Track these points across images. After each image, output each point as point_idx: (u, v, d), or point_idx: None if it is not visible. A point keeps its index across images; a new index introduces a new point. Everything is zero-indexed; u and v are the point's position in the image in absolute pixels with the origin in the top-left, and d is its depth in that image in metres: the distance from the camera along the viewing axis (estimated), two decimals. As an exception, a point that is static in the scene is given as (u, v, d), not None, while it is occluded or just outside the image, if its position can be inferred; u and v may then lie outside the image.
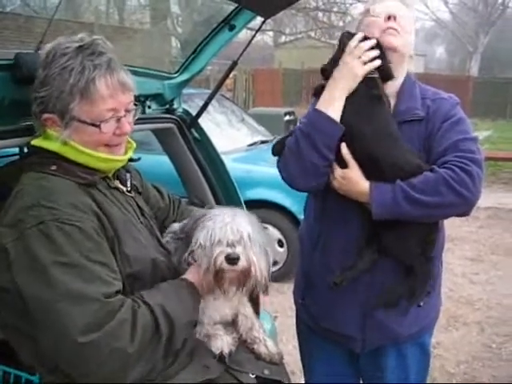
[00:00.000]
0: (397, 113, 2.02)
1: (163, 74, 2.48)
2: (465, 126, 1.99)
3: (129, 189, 1.83)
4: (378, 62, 1.95)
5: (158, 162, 4.23)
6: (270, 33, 31.82)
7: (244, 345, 1.98)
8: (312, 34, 29.45)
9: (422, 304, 2.08)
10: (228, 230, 1.68)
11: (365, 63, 1.94)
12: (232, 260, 1.67)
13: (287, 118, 11.70)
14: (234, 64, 2.51)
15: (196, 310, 1.68)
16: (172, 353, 1.60)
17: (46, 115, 1.61)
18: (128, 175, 1.86)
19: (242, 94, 19.56)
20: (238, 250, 1.68)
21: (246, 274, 1.70)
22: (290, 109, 12.74)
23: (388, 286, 2.03)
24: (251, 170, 5.90)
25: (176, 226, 2.00)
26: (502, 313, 5.09)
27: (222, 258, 1.67)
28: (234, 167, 5.90)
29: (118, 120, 1.64)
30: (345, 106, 1.95)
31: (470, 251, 6.87)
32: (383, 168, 1.92)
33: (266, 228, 5.80)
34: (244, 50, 2.57)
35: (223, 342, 1.84)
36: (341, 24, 26.98)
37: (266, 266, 1.77)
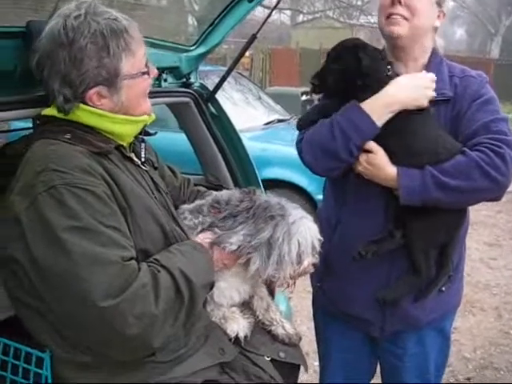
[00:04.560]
0: None
1: (180, 47, 2.40)
2: (495, 106, 1.89)
3: (143, 160, 1.77)
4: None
5: (174, 139, 4.18)
6: (288, 12, 31.41)
7: (260, 327, 1.94)
8: (330, 13, 29.02)
9: (443, 289, 2.01)
10: (315, 240, 1.75)
11: (427, 98, 1.84)
12: (314, 266, 1.79)
13: (304, 97, 11.57)
14: (253, 38, 2.41)
15: (211, 272, 1.64)
16: (192, 317, 1.56)
17: (91, 91, 1.53)
18: (143, 145, 1.79)
19: (259, 73, 19.40)
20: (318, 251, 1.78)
21: None
22: (307, 88, 12.58)
23: (390, 285, 1.98)
24: (267, 148, 5.82)
25: (185, 206, 1.94)
26: (520, 298, 5.01)
27: (310, 268, 1.77)
28: (250, 146, 5.82)
29: (147, 65, 1.63)
30: None
31: (488, 236, 6.76)
32: (417, 154, 1.84)
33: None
34: (263, 25, 2.47)
35: (239, 326, 1.81)
36: (359, 3, 26.59)
37: None
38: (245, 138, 5.85)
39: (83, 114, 1.57)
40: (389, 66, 1.88)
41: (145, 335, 1.40)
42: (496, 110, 1.87)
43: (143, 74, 1.59)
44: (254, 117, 6.74)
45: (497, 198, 1.84)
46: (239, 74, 8.24)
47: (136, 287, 1.38)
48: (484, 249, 6.28)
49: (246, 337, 1.82)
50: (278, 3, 2.51)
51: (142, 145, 1.79)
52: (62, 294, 1.37)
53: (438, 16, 1.95)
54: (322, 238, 1.76)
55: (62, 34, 1.48)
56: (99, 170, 1.49)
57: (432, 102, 1.88)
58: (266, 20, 2.46)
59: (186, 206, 1.92)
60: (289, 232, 1.69)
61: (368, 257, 1.91)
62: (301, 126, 2.02)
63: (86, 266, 1.34)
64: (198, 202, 1.93)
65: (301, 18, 32.03)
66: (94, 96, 1.54)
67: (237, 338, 1.80)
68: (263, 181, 5.83)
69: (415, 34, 1.90)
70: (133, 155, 1.73)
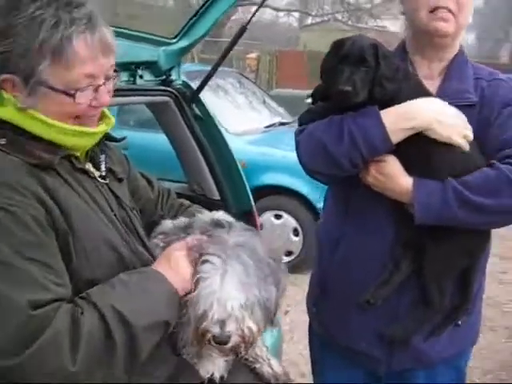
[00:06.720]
0: (443, 95, 1.69)
1: (159, 39, 2.14)
2: None
3: (103, 174, 1.51)
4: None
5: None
6: (296, 14, 31.20)
7: (242, 364, 1.69)
8: (339, 16, 28.79)
9: (460, 323, 1.77)
10: (215, 304, 1.35)
11: (460, 135, 1.58)
12: (220, 342, 1.37)
13: (310, 100, 11.33)
14: (243, 29, 2.19)
15: (169, 306, 1.35)
16: (137, 364, 1.28)
17: (4, 76, 1.31)
18: (102, 157, 1.53)
19: (265, 75, 19.18)
20: (230, 327, 1.36)
21: (239, 346, 1.40)
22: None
23: (398, 315, 1.74)
24: (267, 153, 5.57)
25: (168, 223, 1.68)
26: (532, 317, 4.74)
27: (209, 336, 1.37)
28: (249, 150, 5.63)
29: (96, 89, 1.34)
30: None
31: (499, 248, 6.43)
32: (437, 167, 1.60)
33: (281, 217, 5.49)
34: (252, 17, 2.36)
35: (214, 366, 1.54)
36: (368, 6, 26.30)
37: (266, 321, 1.45)
38: (244, 142, 5.60)
39: (25, 119, 1.33)
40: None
41: None
42: None
43: (68, 94, 1.31)
44: (255, 120, 6.48)
45: None
46: (242, 75, 8.00)
47: (45, 338, 1.13)
48: (494, 261, 5.95)
49: (222, 377, 1.56)
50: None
51: (102, 156, 1.53)
52: None
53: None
54: (234, 305, 1.35)
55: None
56: (33, 186, 1.25)
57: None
58: (254, 13, 2.37)
59: (162, 228, 1.67)
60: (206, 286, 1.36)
61: (378, 304, 1.69)
62: (304, 120, 1.78)
63: None
64: (182, 220, 1.67)
65: (309, 20, 31.81)
66: (7, 83, 1.31)
67: (211, 379, 1.54)
68: (263, 187, 5.57)
69: (458, 32, 1.72)
70: (89, 166, 1.48)
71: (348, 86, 1.54)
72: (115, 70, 1.43)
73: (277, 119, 6.80)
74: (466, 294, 1.74)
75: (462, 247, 1.66)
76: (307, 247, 5.40)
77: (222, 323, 1.34)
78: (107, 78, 1.37)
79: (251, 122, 6.24)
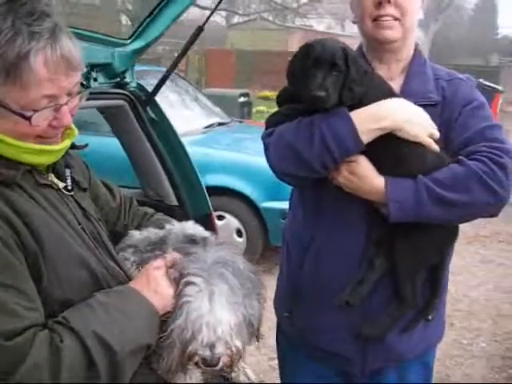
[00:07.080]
0: (405, 96, 1.68)
1: (113, 40, 2.05)
2: (488, 112, 1.72)
3: (69, 187, 1.43)
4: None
5: (110, 145, 3.78)
6: (223, 13, 31.14)
7: (218, 374, 1.65)
8: (265, 15, 29.00)
9: (430, 318, 1.79)
10: (204, 328, 1.31)
11: (426, 132, 1.59)
12: (210, 364, 1.33)
13: (242, 99, 11.37)
14: (200, 30, 2.12)
15: (151, 328, 1.30)
16: None
17: None
18: (68, 171, 1.45)
19: (195, 74, 19.05)
20: (219, 350, 1.32)
21: (227, 365, 1.37)
22: (244, 90, 12.38)
23: (370, 313, 1.74)
24: (208, 154, 5.50)
25: (136, 234, 1.61)
26: (469, 306, 4.93)
27: (197, 359, 1.33)
28: (191, 151, 5.53)
29: (58, 109, 1.24)
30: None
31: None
32: (401, 160, 1.60)
33: (223, 218, 5.45)
34: (209, 17, 2.29)
35: (191, 379, 1.50)
36: (295, 5, 26.63)
37: (250, 337, 1.45)
38: (185, 143, 5.53)
39: None
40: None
41: None
42: (489, 115, 1.71)
43: (22, 116, 1.20)
44: (194, 120, 6.39)
45: (493, 215, 1.63)
46: (177, 74, 7.87)
47: (23, 372, 1.07)
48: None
49: (199, 389, 1.53)
50: (220, 2, 2.27)
51: (67, 171, 1.44)
52: None
53: (420, 6, 1.75)
54: (223, 328, 1.33)
55: None
56: None
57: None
58: (212, 13, 2.27)
59: (130, 241, 1.61)
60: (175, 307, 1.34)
61: (357, 304, 1.68)
62: (272, 122, 1.73)
63: None
64: (152, 232, 1.61)
65: (236, 19, 31.86)
66: None
67: (189, 391, 1.50)
68: (205, 188, 5.51)
69: (406, 35, 1.71)
70: (52, 177, 1.39)
71: (322, 91, 1.52)
72: (82, 84, 1.34)
73: (215, 119, 6.75)
74: (435, 290, 1.77)
75: (432, 243, 1.68)
76: (251, 248, 5.38)
77: (212, 346, 1.31)
78: (70, 94, 1.26)
79: (190, 123, 6.15)
